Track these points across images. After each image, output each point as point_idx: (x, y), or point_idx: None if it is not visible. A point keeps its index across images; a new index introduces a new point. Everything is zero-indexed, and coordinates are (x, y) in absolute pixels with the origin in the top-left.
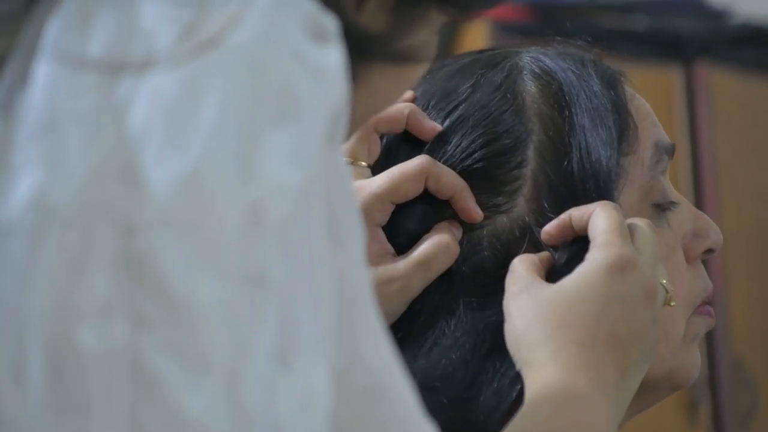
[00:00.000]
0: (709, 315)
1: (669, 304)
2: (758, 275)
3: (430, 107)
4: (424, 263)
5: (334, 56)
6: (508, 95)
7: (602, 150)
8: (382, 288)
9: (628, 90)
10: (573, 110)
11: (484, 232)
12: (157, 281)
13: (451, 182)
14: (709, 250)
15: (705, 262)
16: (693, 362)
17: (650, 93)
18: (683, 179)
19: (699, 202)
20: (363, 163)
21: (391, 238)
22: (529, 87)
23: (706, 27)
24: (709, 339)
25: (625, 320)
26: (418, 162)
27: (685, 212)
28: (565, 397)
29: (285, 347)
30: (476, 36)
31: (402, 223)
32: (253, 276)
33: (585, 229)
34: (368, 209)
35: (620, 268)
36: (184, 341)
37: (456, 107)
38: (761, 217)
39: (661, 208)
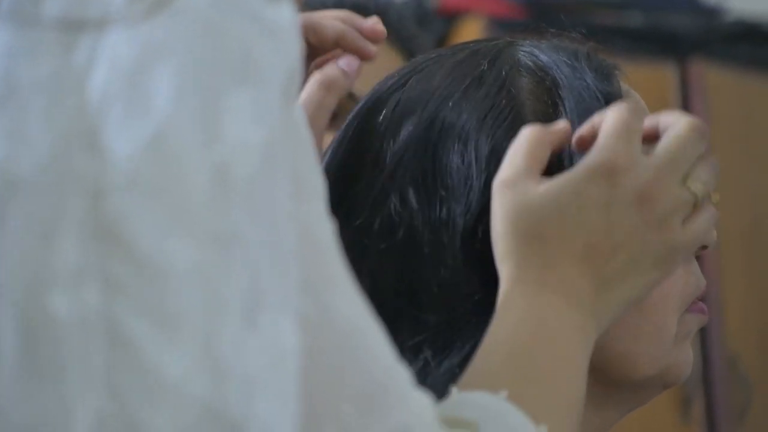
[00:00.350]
0: (702, 312)
1: (714, 203)
2: (753, 273)
3: (429, 103)
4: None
5: (287, 13)
6: (511, 89)
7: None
8: None
9: (623, 86)
10: (566, 106)
11: (482, 225)
12: (127, 245)
13: (331, 27)
14: (703, 246)
15: (699, 260)
16: (685, 359)
17: (645, 90)
18: None
19: None
20: None
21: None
22: (524, 83)
23: (700, 24)
24: (704, 336)
25: (606, 229)
26: None
27: None
28: (530, 315)
29: (252, 305)
30: (471, 33)
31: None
32: (222, 236)
33: None
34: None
35: (605, 172)
36: (156, 303)
37: (455, 104)
38: (756, 214)
39: None
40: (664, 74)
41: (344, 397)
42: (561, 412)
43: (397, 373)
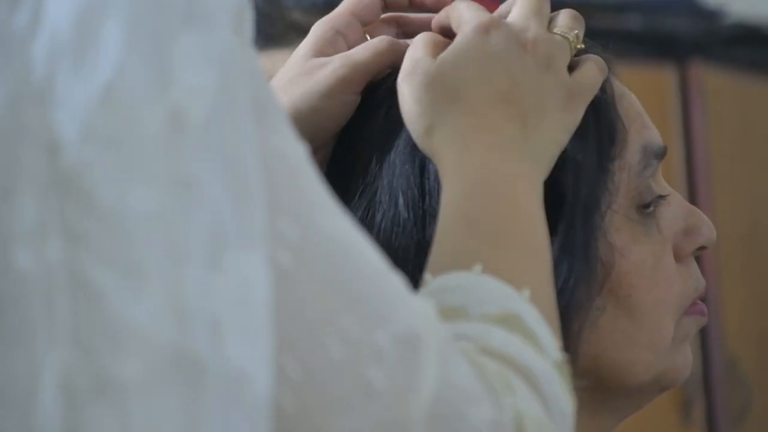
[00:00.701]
0: (701, 313)
1: (577, 47)
2: (752, 275)
3: None
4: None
5: None
6: None
7: (581, 155)
8: (314, 71)
9: (618, 88)
10: None
11: None
12: (87, 196)
13: None
14: (701, 247)
15: (699, 262)
16: (683, 362)
17: (643, 93)
18: (677, 179)
19: (693, 203)
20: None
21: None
22: None
23: (699, 26)
24: (703, 339)
25: (507, 74)
26: None
27: (675, 208)
28: (475, 180)
29: (216, 247)
30: None
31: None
32: (180, 181)
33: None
34: (333, 18)
35: (485, 28)
36: (119, 252)
37: None
38: (755, 217)
39: (647, 208)
40: (663, 77)
41: (341, 309)
42: (535, 269)
43: (392, 280)
